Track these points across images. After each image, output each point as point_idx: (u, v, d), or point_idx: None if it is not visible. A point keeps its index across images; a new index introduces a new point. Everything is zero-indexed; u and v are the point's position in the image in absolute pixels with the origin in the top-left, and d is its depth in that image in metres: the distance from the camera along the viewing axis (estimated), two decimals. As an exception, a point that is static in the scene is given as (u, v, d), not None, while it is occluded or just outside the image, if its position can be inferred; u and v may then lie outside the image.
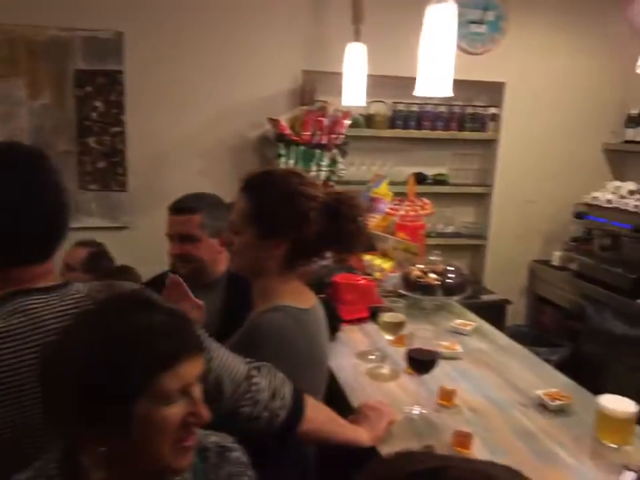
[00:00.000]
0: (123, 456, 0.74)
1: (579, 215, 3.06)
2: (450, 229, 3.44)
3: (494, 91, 3.26)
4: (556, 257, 3.28)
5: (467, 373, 1.60)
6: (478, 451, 1.22)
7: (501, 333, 1.97)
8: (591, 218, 2.99)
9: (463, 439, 1.22)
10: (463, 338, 1.85)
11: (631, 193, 2.83)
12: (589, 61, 3.24)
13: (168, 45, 2.84)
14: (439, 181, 3.35)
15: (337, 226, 1.18)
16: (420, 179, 3.30)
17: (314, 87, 2.93)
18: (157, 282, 1.65)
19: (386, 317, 1.55)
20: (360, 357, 1.68)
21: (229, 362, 1.01)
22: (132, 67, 2.79)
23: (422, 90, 1.54)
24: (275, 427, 1.03)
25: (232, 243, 1.20)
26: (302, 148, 2.76)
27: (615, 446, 1.25)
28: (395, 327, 1.55)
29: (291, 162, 2.76)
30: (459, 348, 1.71)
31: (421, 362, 1.32)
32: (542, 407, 1.42)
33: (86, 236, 2.33)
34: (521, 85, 3.20)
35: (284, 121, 2.75)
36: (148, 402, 0.72)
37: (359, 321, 1.91)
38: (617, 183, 2.96)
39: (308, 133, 2.75)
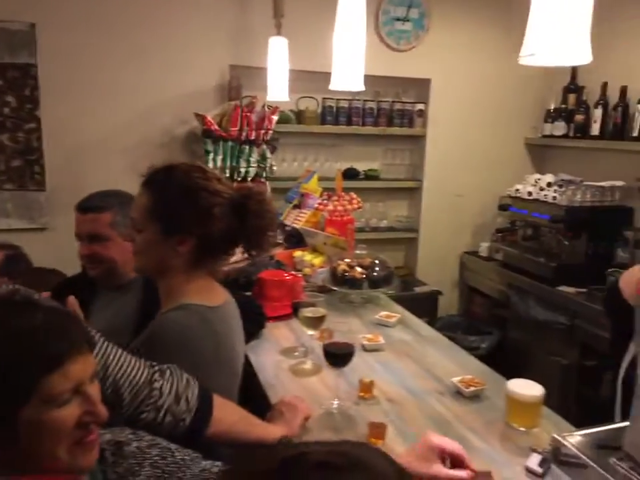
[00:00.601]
0: (15, 461, 0.71)
1: (503, 207, 3.17)
2: (383, 224, 3.49)
3: (420, 87, 3.33)
4: (484, 248, 3.39)
5: (389, 364, 1.62)
6: (392, 440, 1.24)
7: (425, 323, 2.00)
8: (514, 210, 3.11)
9: (378, 430, 1.23)
10: (387, 330, 1.87)
11: (549, 185, 2.96)
12: (510, 58, 3.33)
13: (86, 38, 2.71)
14: (371, 176, 3.38)
15: (245, 222, 1.16)
16: (352, 174, 3.34)
17: (240, 82, 2.88)
18: (68, 285, 1.58)
19: (306, 312, 1.54)
20: (284, 354, 1.67)
21: (129, 366, 0.96)
22: (46, 60, 2.65)
23: (336, 84, 1.55)
24: (181, 432, 1.00)
25: (134, 241, 1.16)
26: (230, 144, 2.71)
27: (524, 429, 1.29)
28: (315, 322, 1.54)
29: (219, 158, 2.71)
30: (381, 340, 1.73)
31: (337, 355, 1.32)
32: (458, 393, 1.45)
33: (2, 238, 2.21)
34: (446, 81, 3.28)
35: (211, 117, 2.69)
36: (37, 405, 0.69)
37: (286, 317, 1.89)
38: (537, 176, 3.09)
39: (236, 129, 2.70)
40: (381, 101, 3.30)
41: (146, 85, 2.87)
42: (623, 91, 2.81)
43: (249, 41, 2.90)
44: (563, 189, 2.87)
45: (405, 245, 3.59)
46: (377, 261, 2.15)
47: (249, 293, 1.96)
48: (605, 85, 2.93)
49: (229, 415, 1.07)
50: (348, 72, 1.54)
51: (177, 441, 0.97)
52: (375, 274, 2.09)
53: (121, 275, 1.49)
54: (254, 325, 1.72)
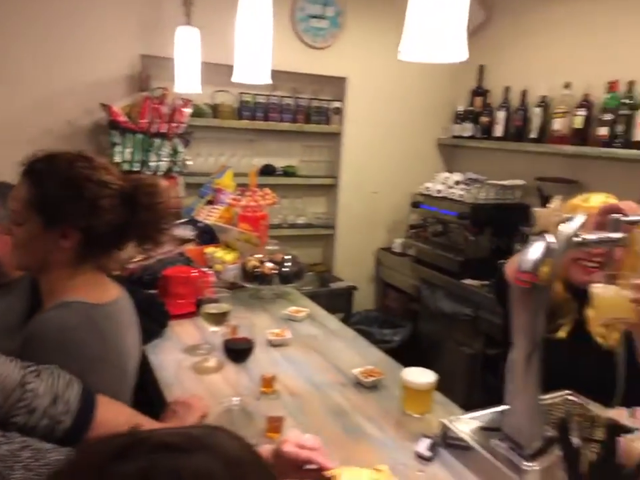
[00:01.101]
0: None
1: (415, 205, 3.28)
2: (301, 220, 3.50)
3: (337, 85, 3.38)
4: (397, 244, 3.50)
5: (294, 359, 1.63)
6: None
7: (334, 317, 2.03)
8: (425, 207, 3.22)
9: (275, 424, 1.23)
10: (295, 324, 1.88)
11: (457, 183, 3.10)
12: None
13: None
14: (289, 172, 3.39)
15: (135, 215, 1.12)
16: (269, 170, 3.32)
17: (150, 73, 2.78)
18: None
19: (208, 308, 1.52)
20: (187, 352, 1.63)
21: (-2, 368, 0.90)
22: None
23: (240, 77, 1.53)
24: (59, 434, 0.94)
25: (13, 235, 1.08)
26: (139, 137, 2.61)
27: (418, 415, 1.34)
28: (218, 318, 1.52)
29: (128, 151, 2.60)
30: (288, 334, 1.73)
31: (236, 351, 1.31)
32: (358, 384, 1.49)
33: None
34: (361, 80, 3.35)
35: (117, 108, 2.58)
36: None
37: (191, 314, 1.85)
38: (446, 174, 3.23)
39: (145, 121, 2.61)
40: (299, 98, 3.31)
41: (51, 73, 2.70)
42: (524, 94, 3.00)
43: (160, 30, 2.81)
44: (469, 187, 3.02)
45: (323, 241, 3.63)
46: (287, 257, 2.15)
47: (155, 291, 1.90)
48: (507, 89, 3.10)
49: (114, 417, 1.02)
50: (253, 64, 1.52)
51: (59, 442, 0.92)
52: (286, 269, 2.09)
53: (3, 274, 1.39)
54: (156, 324, 1.67)
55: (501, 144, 3.11)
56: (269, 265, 2.06)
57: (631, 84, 2.45)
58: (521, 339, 1.09)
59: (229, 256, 2.30)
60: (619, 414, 0.96)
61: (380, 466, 0.98)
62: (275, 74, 3.12)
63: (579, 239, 1.05)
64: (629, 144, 2.43)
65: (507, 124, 3.09)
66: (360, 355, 1.69)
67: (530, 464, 1.09)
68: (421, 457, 1.18)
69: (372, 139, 3.46)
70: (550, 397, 1.35)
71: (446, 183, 3.15)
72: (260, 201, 2.43)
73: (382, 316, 3.49)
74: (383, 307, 3.66)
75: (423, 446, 1.20)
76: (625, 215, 1.21)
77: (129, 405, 1.16)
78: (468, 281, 2.86)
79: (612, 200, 1.54)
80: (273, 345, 1.69)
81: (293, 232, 3.43)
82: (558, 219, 1.03)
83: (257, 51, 1.49)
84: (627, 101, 2.45)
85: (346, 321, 3.36)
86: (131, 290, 1.30)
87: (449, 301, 2.97)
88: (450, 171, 3.39)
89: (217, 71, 2.74)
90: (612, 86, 2.52)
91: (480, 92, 3.33)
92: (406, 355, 3.14)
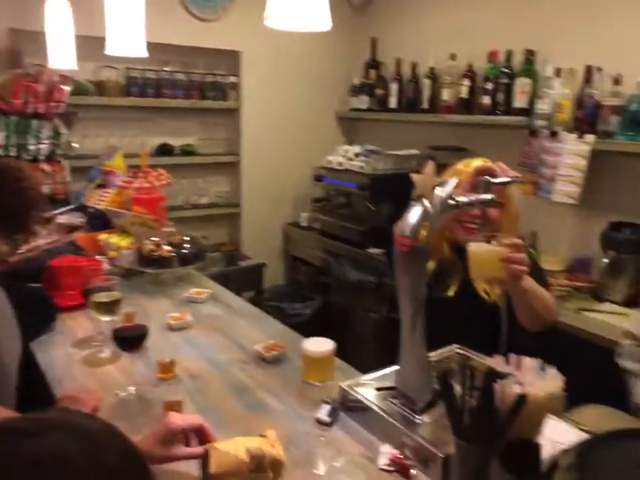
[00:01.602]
0: None
1: (317, 178, 3.31)
2: (205, 200, 3.42)
3: (232, 59, 3.28)
4: (303, 218, 3.52)
5: (195, 341, 1.60)
6: (190, 417, 1.22)
7: (237, 296, 2.00)
8: (327, 180, 3.26)
9: (173, 408, 1.20)
10: (197, 306, 1.84)
11: (356, 155, 3.15)
12: (318, 33, 3.46)
13: None
14: (187, 151, 3.27)
15: (0, 202, 1.03)
16: (167, 150, 3.19)
17: (21, 49, 2.55)
18: None
19: (97, 297, 1.44)
20: (79, 345, 1.54)
21: None
22: None
23: (113, 49, 1.43)
24: None
25: None
26: (13, 118, 2.39)
27: (319, 384, 1.37)
28: (109, 307, 1.44)
29: (1, 135, 2.37)
30: (189, 317, 1.69)
31: (127, 339, 1.26)
32: (261, 360, 1.49)
33: None
34: (256, 54, 3.28)
35: (-16, 87, 2.34)
36: None
37: (84, 306, 1.74)
38: (346, 147, 3.28)
39: (19, 101, 2.39)
40: (192, 73, 3.19)
41: None
42: (414, 66, 3.08)
43: (31, 1, 2.56)
44: (368, 159, 3.09)
45: (228, 220, 3.57)
46: (186, 238, 2.09)
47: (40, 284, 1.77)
48: (398, 61, 3.18)
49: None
50: (125, 36, 1.43)
51: None
52: (185, 251, 2.03)
53: None
54: (42, 319, 1.56)
55: (395, 115, 3.20)
56: (167, 247, 1.99)
57: (509, 53, 2.60)
58: (406, 300, 1.14)
59: (124, 241, 2.19)
60: (496, 362, 1.04)
61: (267, 431, 1.00)
62: (164, 48, 3.01)
63: (453, 202, 1.11)
64: (510, 111, 2.59)
65: (400, 95, 3.17)
66: (263, 331, 1.69)
67: (421, 417, 1.15)
68: (321, 422, 1.21)
69: (271, 113, 3.42)
70: (440, 353, 1.43)
71: (346, 156, 3.20)
72: (154, 182, 2.33)
73: (293, 290, 3.52)
74: (294, 282, 3.69)
75: (323, 412, 1.23)
76: (495, 177, 1.29)
77: (12, 403, 1.08)
78: (371, 250, 2.95)
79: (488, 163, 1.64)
80: (173, 329, 1.65)
81: (197, 213, 3.34)
82: (433, 183, 1.07)
83: (129, 21, 1.40)
84: (506, 70, 2.59)
85: (257, 298, 3.36)
86: (12, 285, 1.21)
87: (355, 271, 3.05)
88: (350, 144, 3.45)
89: (100, 46, 2.55)
90: (492, 56, 2.66)
91: (374, 64, 3.38)
92: (318, 327, 3.21)
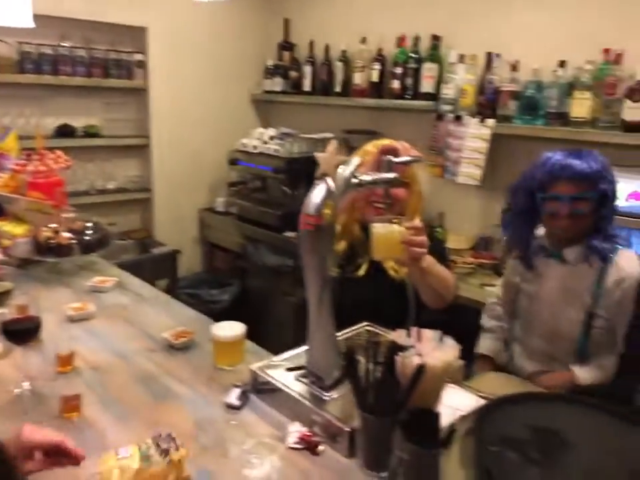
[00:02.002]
0: None
1: (232, 162, 3.24)
2: (112, 185, 3.24)
3: (137, 36, 3.12)
4: (219, 203, 3.44)
5: (98, 331, 1.52)
6: (93, 410, 1.16)
7: (147, 284, 1.93)
8: (243, 164, 3.20)
9: (71, 402, 1.13)
10: (101, 296, 1.75)
11: (272, 138, 3.12)
12: (231, 11, 3.37)
13: None
14: (91, 133, 3.08)
15: None
16: (68, 131, 2.99)
17: None
18: None
19: (-17, 289, 1.32)
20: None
21: None
22: None
23: (-8, 17, 1.30)
24: None
25: None
26: None
27: (229, 368, 1.35)
28: (-3, 299, 1.33)
29: None
30: (91, 307, 1.61)
31: (17, 332, 1.17)
32: (170, 347, 1.44)
33: None
34: (163, 31, 3.13)
35: None
36: None
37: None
38: (261, 130, 3.23)
39: None
40: (94, 49, 2.99)
41: None
42: (327, 49, 3.09)
43: None
44: (283, 142, 3.07)
45: (140, 206, 3.42)
46: (89, 224, 1.97)
47: None
48: (311, 43, 3.17)
49: None
50: (8, 4, 1.31)
51: None
52: (87, 238, 1.92)
53: None
54: None
55: (309, 98, 3.19)
56: (66, 234, 1.87)
57: (416, 39, 2.66)
58: (312, 279, 1.14)
59: (18, 229, 2.03)
60: (398, 335, 1.07)
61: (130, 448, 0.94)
62: (62, 22, 2.80)
63: (356, 180, 1.12)
64: (418, 95, 2.67)
65: (314, 78, 3.17)
66: (173, 318, 1.64)
67: (330, 394, 1.17)
68: (231, 407, 1.19)
69: (182, 94, 3.29)
70: (351, 330, 1.46)
71: (261, 139, 3.16)
72: (51, 165, 2.17)
73: (210, 277, 3.45)
74: (211, 268, 3.62)
75: (233, 396, 1.22)
76: (398, 156, 1.32)
77: None
78: (288, 234, 2.94)
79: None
80: (74, 320, 1.56)
81: (104, 198, 3.17)
82: (336, 162, 1.07)
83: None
84: (414, 55, 2.66)
85: (172, 286, 3.26)
86: None
87: (272, 255, 3.03)
88: (265, 127, 3.40)
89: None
90: (400, 41, 2.72)
91: (287, 46, 3.35)
92: (237, 313, 3.17)
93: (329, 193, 1.08)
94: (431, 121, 2.60)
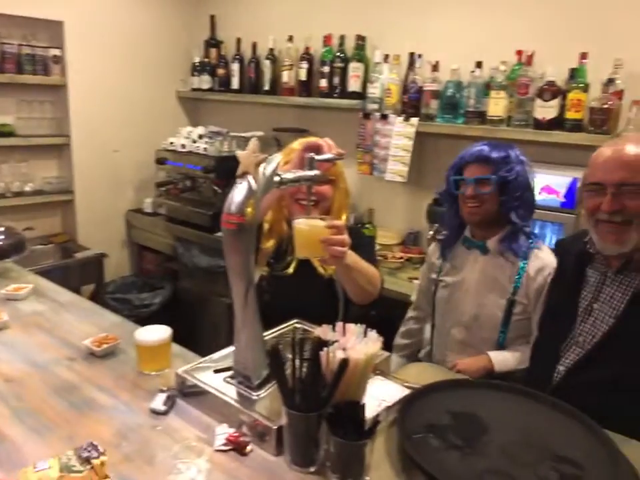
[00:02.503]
0: None
1: (160, 161, 3.15)
2: (29, 187, 3.06)
3: (53, 30, 2.96)
4: (147, 203, 3.34)
5: (11, 342, 1.43)
6: (7, 424, 1.09)
7: (66, 290, 1.83)
8: (171, 163, 3.12)
9: (-21, 419, 1.06)
10: (16, 304, 1.65)
11: (200, 137, 3.06)
12: (152, 6, 3.28)
13: None
14: (4, 132, 2.90)
15: None
16: (-23, 130, 2.80)
17: None
18: None
19: None
20: None
21: None
22: None
23: None
24: None
25: None
26: None
27: (155, 373, 1.31)
28: None
29: None
30: (4, 316, 1.51)
31: None
32: (91, 355, 1.38)
33: None
34: (83, 26, 3.00)
35: None
36: None
37: None
38: (189, 129, 3.17)
39: None
40: (5, 44, 2.81)
41: None
42: (254, 47, 3.06)
43: None
44: (213, 141, 3.02)
45: (61, 208, 3.25)
46: (0, 229, 1.85)
47: None
48: (238, 41, 3.14)
49: None
50: None
51: None
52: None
53: None
54: None
55: (238, 96, 3.16)
56: (-26, 240, 1.75)
57: (342, 38, 2.70)
58: (236, 278, 1.13)
59: None
60: (323, 331, 1.08)
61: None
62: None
63: (278, 178, 1.12)
64: (345, 94, 2.70)
65: (242, 76, 3.14)
66: (95, 325, 1.57)
67: (257, 393, 1.16)
68: (156, 412, 1.16)
69: (105, 92, 3.16)
70: (280, 328, 1.46)
71: (190, 137, 3.09)
72: (-42, 166, 2.03)
73: (140, 280, 3.34)
74: (140, 271, 3.51)
75: (159, 401, 1.18)
76: (321, 154, 1.34)
77: None
78: (220, 234, 2.89)
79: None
80: (-15, 331, 1.46)
81: (21, 201, 2.99)
82: (257, 160, 1.07)
83: None
84: (340, 55, 2.69)
85: (99, 291, 3.13)
86: None
87: (204, 256, 2.98)
88: (193, 125, 3.34)
89: None
90: (327, 40, 2.74)
91: (213, 43, 3.30)
92: (169, 316, 3.09)
93: (251, 192, 1.07)
94: (358, 119, 2.64)
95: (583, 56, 2.03)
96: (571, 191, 1.96)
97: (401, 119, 2.49)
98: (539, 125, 2.10)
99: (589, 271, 1.41)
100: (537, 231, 2.08)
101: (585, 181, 1.36)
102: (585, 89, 2.01)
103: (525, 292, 1.62)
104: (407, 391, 1.24)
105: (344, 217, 1.70)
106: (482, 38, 2.35)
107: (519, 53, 2.20)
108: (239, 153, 1.09)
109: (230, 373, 1.22)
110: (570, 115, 2.04)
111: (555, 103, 2.06)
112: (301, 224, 1.24)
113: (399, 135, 2.51)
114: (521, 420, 1.14)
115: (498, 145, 1.64)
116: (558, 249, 1.61)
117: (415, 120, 2.45)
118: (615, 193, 1.25)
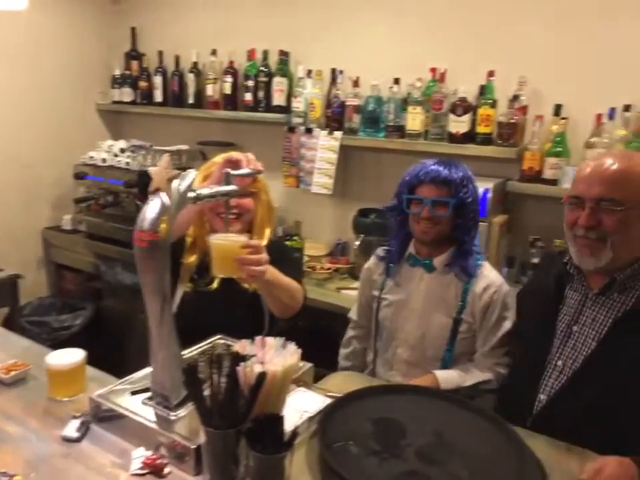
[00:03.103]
0: None
1: (79, 176, 3.02)
2: None
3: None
4: (66, 220, 3.19)
5: None
6: None
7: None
8: (91, 178, 3.00)
9: None
10: None
11: (122, 150, 2.98)
12: (67, 18, 3.16)
13: None
14: None
15: None
16: None
17: None
18: None
19: None
20: None
21: None
22: None
23: None
24: None
25: None
26: None
27: (68, 399, 1.26)
28: None
29: None
30: None
31: None
32: (-2, 383, 1.30)
33: None
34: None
35: None
36: None
37: None
38: (110, 142, 3.07)
39: None
40: None
41: None
42: (177, 59, 3.02)
43: None
44: (135, 154, 2.94)
45: (-32, 227, 3.04)
46: None
47: None
48: (161, 53, 3.09)
49: None
50: None
51: None
52: None
53: None
54: None
55: (162, 109, 3.10)
56: None
57: (265, 53, 2.72)
58: (151, 296, 1.11)
59: None
60: (242, 346, 1.07)
61: None
62: None
63: (193, 194, 1.11)
64: (270, 108, 2.72)
65: (165, 89, 3.09)
66: (3, 351, 1.47)
67: (176, 413, 1.14)
68: (68, 440, 1.11)
69: (14, 105, 2.99)
70: (203, 345, 1.44)
71: (111, 151, 2.99)
72: None
73: (59, 301, 3.16)
74: (59, 292, 3.33)
75: (71, 428, 1.13)
76: (239, 168, 1.34)
77: None
78: (144, 250, 2.82)
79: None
80: None
81: None
82: (169, 176, 1.06)
83: None
84: (264, 69, 2.71)
85: (13, 315, 2.94)
86: None
87: (129, 273, 2.88)
88: (115, 139, 3.23)
89: None
90: (250, 54, 2.76)
91: (135, 55, 3.22)
92: (92, 337, 2.96)
93: (164, 208, 1.05)
94: (284, 133, 2.67)
95: (490, 74, 2.17)
96: (482, 201, 2.07)
97: (325, 132, 2.54)
98: (453, 138, 2.22)
99: (568, 292, 1.38)
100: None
101: (567, 193, 1.33)
102: (493, 104, 2.14)
103: (470, 310, 1.60)
104: (329, 401, 1.25)
105: (268, 230, 1.70)
106: (399, 55, 2.45)
107: (433, 70, 2.31)
108: (151, 169, 1.08)
109: (148, 394, 1.19)
110: (480, 129, 2.17)
111: (467, 117, 2.18)
112: (217, 241, 1.22)
113: (323, 149, 2.55)
114: (437, 421, 1.18)
115: (450, 164, 1.60)
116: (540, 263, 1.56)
117: (338, 134, 2.50)
118: (594, 208, 1.23)
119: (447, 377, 1.59)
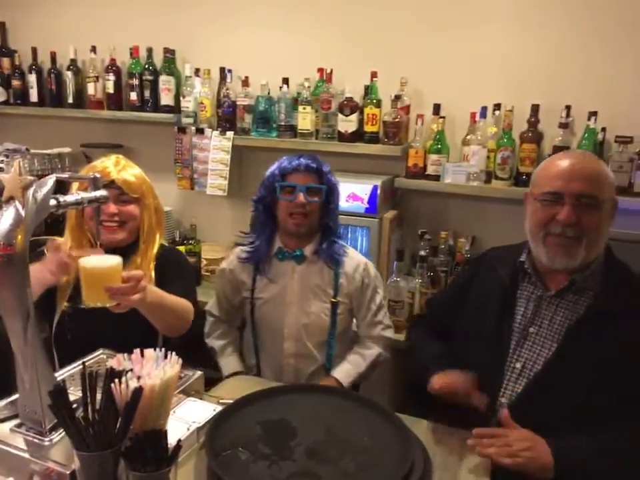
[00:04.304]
0: None
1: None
2: None
3: None
4: None
5: None
6: None
7: None
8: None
9: None
10: None
11: (-6, 155, 2.72)
12: None
13: None
14: None
15: None
16: None
17: None
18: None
19: None
20: None
21: None
22: None
23: None
24: None
25: None
26: None
27: None
28: None
29: None
30: None
31: None
32: None
33: None
34: None
35: None
36: None
37: None
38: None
39: None
40: None
41: None
42: (53, 56, 2.82)
43: None
44: (9, 159, 2.70)
45: None
46: None
47: None
48: (34, 50, 2.86)
49: None
50: None
51: None
52: None
53: None
54: None
55: (38, 110, 2.87)
56: None
57: (149, 50, 2.61)
58: (10, 316, 1.02)
59: None
60: (118, 361, 1.02)
61: None
62: None
63: (55, 202, 1.03)
64: (158, 107, 2.62)
65: (41, 88, 2.86)
66: None
67: (50, 438, 1.05)
68: None
69: None
70: (87, 359, 1.35)
71: (-20, 156, 2.72)
72: None
73: None
74: None
75: None
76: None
77: None
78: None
79: (123, 161, 1.61)
80: None
81: None
82: (23, 184, 0.97)
83: None
84: (149, 67, 2.60)
85: None
86: None
87: None
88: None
89: None
90: (134, 52, 2.63)
91: (6, 52, 2.95)
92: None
93: (19, 219, 0.97)
94: (174, 134, 2.57)
95: (374, 74, 2.24)
96: (373, 197, 2.14)
97: (217, 132, 2.48)
98: (343, 137, 2.26)
99: (522, 293, 1.35)
100: (349, 235, 2.24)
101: (537, 191, 1.28)
102: (378, 104, 2.21)
103: (345, 292, 1.71)
104: (220, 409, 1.22)
105: (157, 236, 1.63)
106: (287, 55, 2.45)
107: (320, 70, 2.34)
108: (2, 177, 0.98)
109: (18, 420, 1.09)
110: (368, 128, 2.23)
111: (354, 117, 2.23)
112: (85, 265, 1.11)
113: (216, 149, 2.50)
114: (327, 418, 1.20)
115: (315, 157, 1.70)
116: (484, 260, 1.49)
117: (230, 134, 2.46)
118: (574, 204, 1.21)
119: (345, 373, 1.67)
